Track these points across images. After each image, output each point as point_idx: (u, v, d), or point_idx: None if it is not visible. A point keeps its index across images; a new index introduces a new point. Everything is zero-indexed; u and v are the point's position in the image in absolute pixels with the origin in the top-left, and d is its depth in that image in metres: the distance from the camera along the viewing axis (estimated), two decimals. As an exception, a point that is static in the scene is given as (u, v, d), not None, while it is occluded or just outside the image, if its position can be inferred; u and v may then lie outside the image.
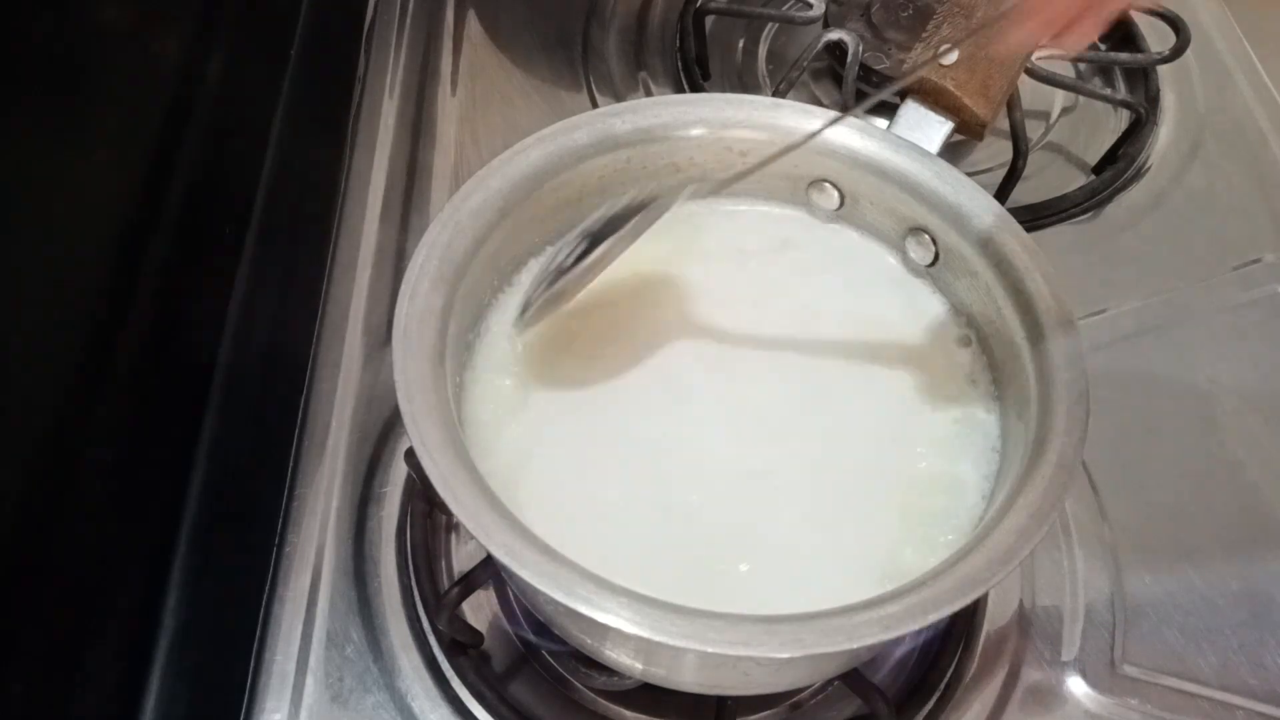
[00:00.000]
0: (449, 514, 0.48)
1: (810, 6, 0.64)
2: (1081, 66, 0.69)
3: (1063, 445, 0.34)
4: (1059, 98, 0.66)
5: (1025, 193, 0.59)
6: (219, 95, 0.55)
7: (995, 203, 0.40)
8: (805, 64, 0.61)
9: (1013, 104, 0.57)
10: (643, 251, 0.40)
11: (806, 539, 0.37)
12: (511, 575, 0.34)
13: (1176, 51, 0.62)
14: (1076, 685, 0.45)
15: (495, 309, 0.42)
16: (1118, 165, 0.62)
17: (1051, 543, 0.49)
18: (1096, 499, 0.50)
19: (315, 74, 0.63)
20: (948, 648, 0.45)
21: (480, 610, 0.46)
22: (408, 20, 0.68)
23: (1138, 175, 0.63)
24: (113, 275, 0.45)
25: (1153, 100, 0.65)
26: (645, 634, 0.30)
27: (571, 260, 0.38)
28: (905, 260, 0.44)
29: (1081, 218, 0.61)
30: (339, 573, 0.47)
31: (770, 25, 0.70)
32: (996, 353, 0.40)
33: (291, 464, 0.50)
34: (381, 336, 0.54)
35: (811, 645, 0.30)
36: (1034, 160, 0.60)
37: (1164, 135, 0.65)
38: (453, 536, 0.48)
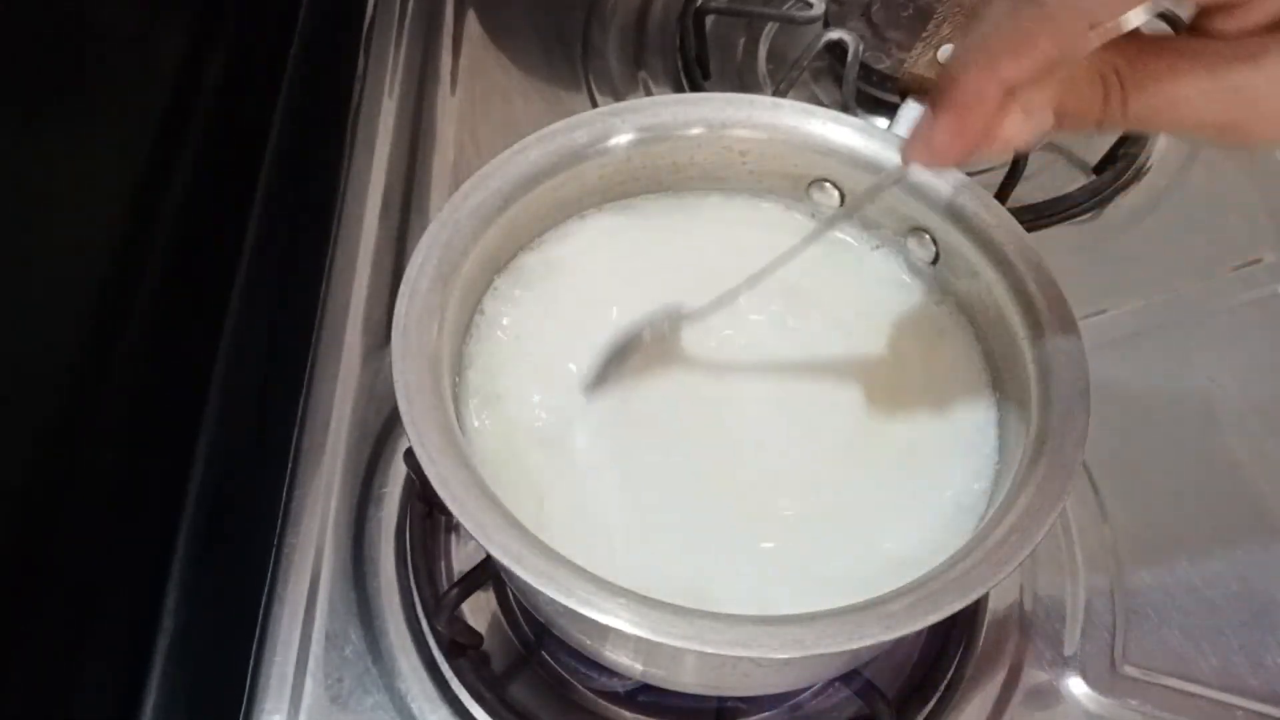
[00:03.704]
0: (448, 514, 0.48)
1: (810, 6, 0.64)
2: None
3: (1063, 445, 0.34)
4: (1059, 98, 0.66)
5: (1025, 193, 0.59)
6: (219, 95, 0.55)
7: (996, 202, 0.40)
8: (805, 64, 0.61)
9: (1013, 104, 0.57)
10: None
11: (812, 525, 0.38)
12: (511, 576, 0.34)
13: (1177, 51, 0.62)
14: (1077, 685, 0.45)
15: (491, 309, 0.42)
16: (1118, 165, 0.62)
17: (1052, 543, 0.49)
18: (1096, 499, 0.50)
19: (315, 74, 0.64)
20: (948, 648, 0.45)
21: (480, 611, 0.46)
22: (407, 20, 0.68)
23: (1138, 175, 0.63)
24: (113, 275, 0.45)
25: (1153, 100, 0.65)
26: (645, 634, 0.30)
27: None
28: (906, 260, 0.44)
29: (1082, 218, 0.61)
30: (338, 573, 0.47)
31: (770, 25, 0.70)
32: (997, 352, 0.40)
33: (291, 464, 0.50)
34: (381, 336, 0.54)
35: (811, 646, 0.30)
36: (1034, 160, 0.60)
37: (1164, 135, 0.65)
38: (452, 537, 0.48)
